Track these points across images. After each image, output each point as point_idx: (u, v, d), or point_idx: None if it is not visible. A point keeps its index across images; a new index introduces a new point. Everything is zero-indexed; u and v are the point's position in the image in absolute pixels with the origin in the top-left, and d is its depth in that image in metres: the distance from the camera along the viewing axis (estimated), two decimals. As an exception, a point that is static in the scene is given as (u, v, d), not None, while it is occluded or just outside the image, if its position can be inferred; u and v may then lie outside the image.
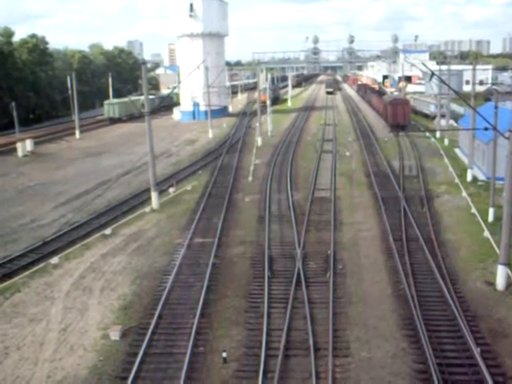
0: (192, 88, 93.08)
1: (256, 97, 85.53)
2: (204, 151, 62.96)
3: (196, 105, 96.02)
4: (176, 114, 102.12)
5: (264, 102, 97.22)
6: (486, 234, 31.08)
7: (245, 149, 63.30)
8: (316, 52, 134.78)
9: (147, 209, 38.67)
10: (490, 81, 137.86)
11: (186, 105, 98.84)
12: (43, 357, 20.16)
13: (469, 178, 44.34)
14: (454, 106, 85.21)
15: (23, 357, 20.19)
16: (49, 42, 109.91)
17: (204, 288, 24.85)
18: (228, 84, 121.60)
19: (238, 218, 36.31)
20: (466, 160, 48.90)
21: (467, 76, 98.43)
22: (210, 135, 74.42)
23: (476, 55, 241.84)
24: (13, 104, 74.68)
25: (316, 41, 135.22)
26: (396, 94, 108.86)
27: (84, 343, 21.03)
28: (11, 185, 49.70)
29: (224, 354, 19.47)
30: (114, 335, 21.26)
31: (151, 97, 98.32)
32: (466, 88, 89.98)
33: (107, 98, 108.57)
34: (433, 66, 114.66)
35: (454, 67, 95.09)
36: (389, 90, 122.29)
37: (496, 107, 32.05)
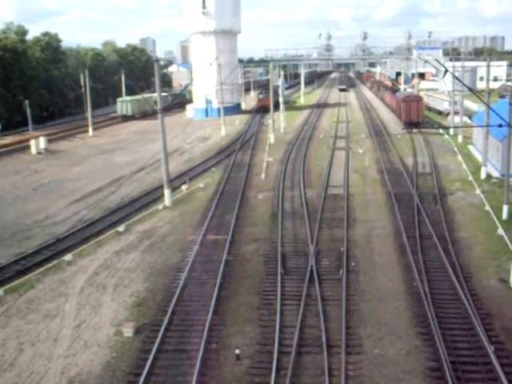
0: (205, 85, 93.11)
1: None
2: (217, 148, 63.00)
3: (209, 102, 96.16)
4: (189, 111, 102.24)
5: (264, 107, 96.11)
6: (500, 231, 30.89)
7: (257, 146, 63.29)
8: (329, 49, 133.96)
9: (160, 206, 38.79)
10: (504, 77, 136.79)
11: (198, 102, 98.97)
12: (57, 353, 20.30)
13: (483, 175, 44.09)
14: (468, 103, 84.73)
15: (37, 353, 20.35)
16: (62, 40, 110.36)
17: (217, 285, 24.91)
18: (241, 81, 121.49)
19: (250, 215, 36.32)
20: (479, 157, 48.59)
21: (481, 72, 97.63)
22: (223, 132, 74.45)
23: (490, 51, 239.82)
24: (26, 102, 75.21)
25: (329, 38, 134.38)
26: (409, 90, 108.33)
27: (98, 339, 21.15)
28: (25, 182, 50.02)
29: (237, 351, 19.51)
30: (128, 332, 21.36)
31: (164, 94, 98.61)
32: (480, 85, 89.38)
33: (120, 95, 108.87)
34: (446, 62, 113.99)
35: (467, 64, 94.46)
36: (402, 86, 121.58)
37: (510, 104, 31.79)
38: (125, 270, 27.94)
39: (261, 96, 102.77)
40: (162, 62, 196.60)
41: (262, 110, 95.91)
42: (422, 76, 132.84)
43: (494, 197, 37.97)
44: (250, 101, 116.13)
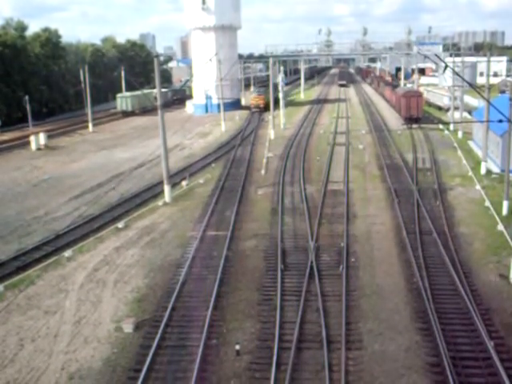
0: (205, 81, 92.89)
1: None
2: (217, 144, 62.97)
3: (209, 98, 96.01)
4: (189, 107, 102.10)
5: (258, 107, 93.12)
6: (500, 227, 30.87)
7: (257, 142, 63.25)
8: (329, 45, 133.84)
9: (160, 202, 38.78)
10: (504, 72, 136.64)
11: (198, 98, 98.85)
12: (57, 349, 20.31)
13: (483, 170, 44.07)
14: (468, 99, 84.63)
15: (38, 349, 20.36)
16: (62, 36, 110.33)
17: (217, 281, 24.90)
18: (240, 77, 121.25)
19: (251, 211, 36.31)
20: (479, 152, 48.56)
21: (481, 68, 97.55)
22: (223, 128, 74.41)
23: (490, 46, 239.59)
24: (26, 98, 75.16)
25: (329, 33, 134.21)
26: (409, 86, 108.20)
27: (98, 335, 21.16)
28: (25, 178, 50.00)
29: (237, 347, 19.52)
30: (128, 327, 21.37)
31: (164, 90, 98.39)
32: (480, 80, 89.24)
33: (120, 91, 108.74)
34: (446, 58, 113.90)
35: (467, 59, 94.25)
36: (402, 82, 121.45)
37: (510, 99, 31.74)
38: (125, 265, 27.95)
39: (254, 94, 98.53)
40: (161, 58, 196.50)
41: (257, 109, 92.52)
42: (421, 71, 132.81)
43: (494, 192, 37.95)
44: (249, 97, 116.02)
